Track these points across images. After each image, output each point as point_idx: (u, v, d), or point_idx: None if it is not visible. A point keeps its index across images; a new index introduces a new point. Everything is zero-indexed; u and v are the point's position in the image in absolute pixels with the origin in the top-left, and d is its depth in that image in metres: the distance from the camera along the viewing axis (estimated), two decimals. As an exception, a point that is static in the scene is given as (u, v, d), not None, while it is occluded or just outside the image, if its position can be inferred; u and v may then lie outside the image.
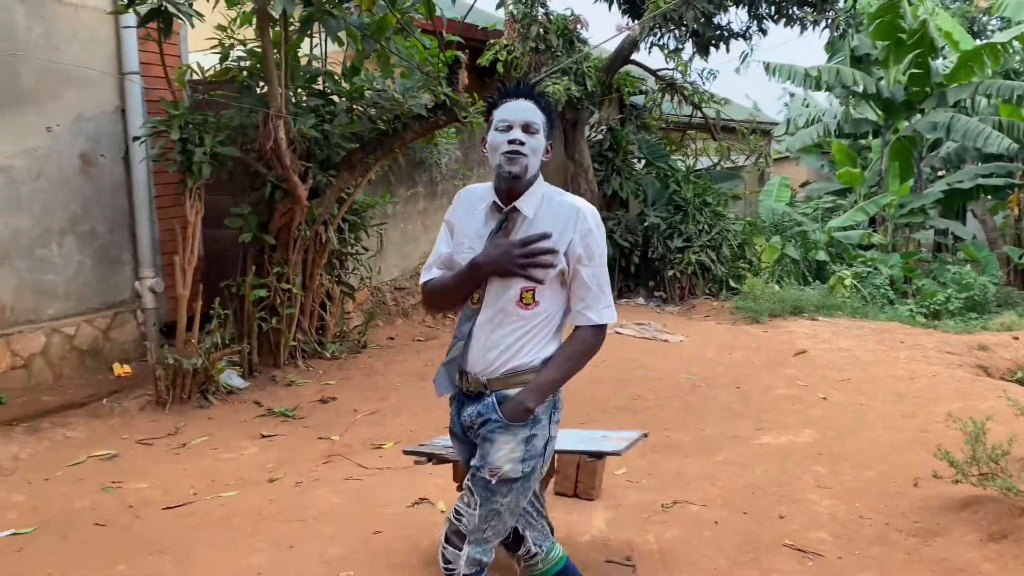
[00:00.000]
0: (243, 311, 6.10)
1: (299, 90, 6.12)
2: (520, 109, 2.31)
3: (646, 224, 10.41)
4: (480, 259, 2.30)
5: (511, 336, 2.31)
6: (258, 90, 5.94)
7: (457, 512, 2.36)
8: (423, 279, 2.50)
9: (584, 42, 9.76)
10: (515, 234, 2.32)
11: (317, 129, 5.83)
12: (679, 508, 4.02)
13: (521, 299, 2.29)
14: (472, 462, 2.38)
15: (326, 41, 6.23)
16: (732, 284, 10.31)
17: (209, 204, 5.78)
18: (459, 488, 3.39)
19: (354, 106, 6.27)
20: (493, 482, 2.30)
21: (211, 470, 4.56)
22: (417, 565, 3.44)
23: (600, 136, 10.87)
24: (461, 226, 2.44)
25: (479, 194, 2.43)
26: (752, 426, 5.33)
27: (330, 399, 5.79)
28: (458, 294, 2.39)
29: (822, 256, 12.32)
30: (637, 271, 10.66)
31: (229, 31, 5.93)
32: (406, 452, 3.37)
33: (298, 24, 5.64)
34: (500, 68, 9.42)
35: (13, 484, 4.32)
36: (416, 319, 8.35)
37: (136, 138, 5.91)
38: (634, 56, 10.16)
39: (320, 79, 6.22)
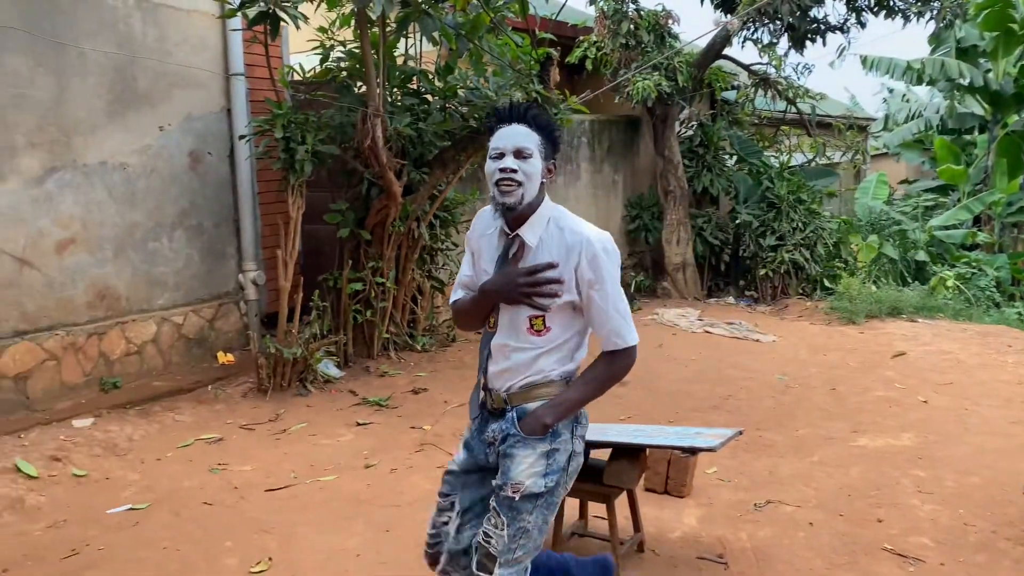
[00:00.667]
0: (339, 304, 6.30)
1: (395, 89, 6.28)
2: (512, 135, 2.25)
3: (737, 222, 10.23)
4: (488, 286, 2.30)
5: (526, 357, 2.30)
6: (356, 90, 6.13)
7: (486, 535, 2.31)
8: (452, 299, 2.52)
9: (675, 37, 9.66)
10: (522, 261, 2.30)
11: (412, 127, 5.97)
12: (772, 508, 3.96)
13: (531, 326, 2.28)
14: (494, 481, 2.34)
15: (421, 41, 6.37)
16: (827, 284, 10.03)
17: (308, 200, 6.00)
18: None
19: (447, 104, 6.39)
20: (516, 499, 2.26)
21: (310, 455, 4.74)
22: (509, 553, 3.50)
23: (690, 132, 10.74)
24: (479, 249, 2.43)
25: (491, 217, 2.39)
26: (848, 428, 5.19)
27: (421, 390, 5.92)
28: (475, 318, 2.41)
29: (922, 256, 11.84)
30: (727, 269, 10.50)
31: (329, 33, 6.13)
32: (500, 442, 3.43)
33: (395, 24, 5.78)
34: (589, 65, 9.42)
35: (128, 463, 4.59)
36: (503, 315, 8.43)
37: (242, 137, 6.18)
38: (726, 51, 9.98)
39: (415, 78, 6.37)
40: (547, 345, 2.29)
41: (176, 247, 6.05)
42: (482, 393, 2.42)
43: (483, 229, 2.41)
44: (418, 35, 6.29)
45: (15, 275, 5.07)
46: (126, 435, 4.92)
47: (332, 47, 6.18)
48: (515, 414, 2.31)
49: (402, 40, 6.37)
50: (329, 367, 6.09)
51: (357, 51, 5.98)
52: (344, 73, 6.15)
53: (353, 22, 5.86)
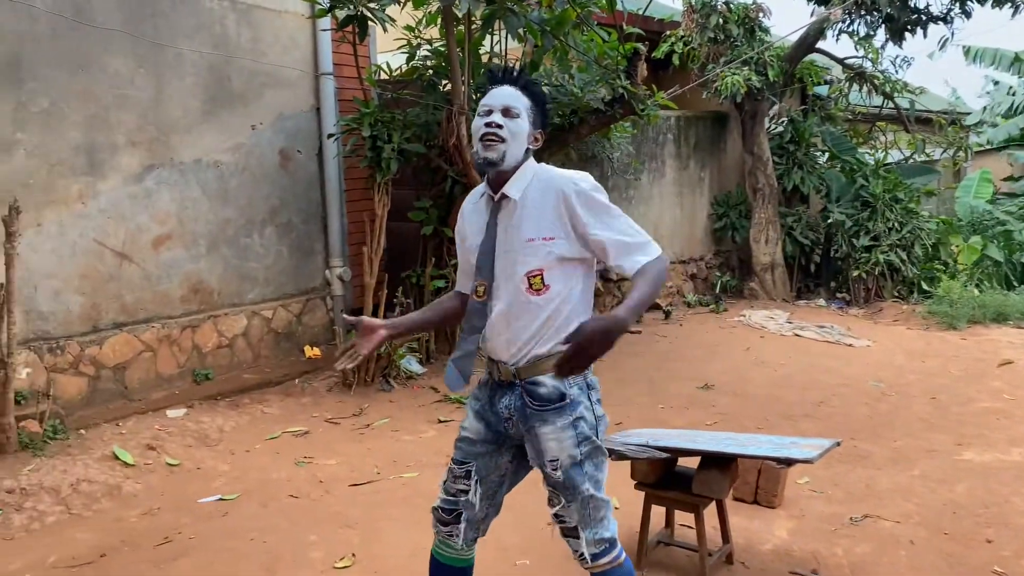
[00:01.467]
0: (422, 300, 6.34)
1: (480, 87, 6.27)
2: (501, 94, 2.23)
3: (829, 221, 9.85)
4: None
5: (531, 326, 2.22)
6: (441, 88, 6.14)
7: (557, 516, 2.32)
8: (457, 288, 2.49)
9: (766, 31, 9.36)
10: (507, 216, 2.24)
11: (496, 124, 5.94)
12: (870, 523, 3.77)
13: (530, 285, 2.20)
14: (536, 465, 2.33)
15: (506, 38, 6.34)
16: (924, 287, 9.56)
17: (393, 198, 6.04)
18: (635, 486, 3.34)
19: (531, 101, 6.34)
20: (562, 477, 2.25)
21: (392, 451, 4.77)
22: (592, 559, 3.42)
23: (780, 128, 10.40)
24: (464, 229, 2.39)
25: (479, 192, 2.36)
26: (951, 440, 4.91)
27: (502, 389, 5.89)
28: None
29: (1030, 259, 11.17)
30: (818, 270, 10.12)
31: (416, 31, 6.16)
32: (585, 445, 3.36)
33: (480, 22, 5.78)
34: (675, 60, 9.23)
35: (219, 454, 4.71)
36: (585, 314, 8.35)
37: (330, 135, 6.28)
38: (820, 44, 9.62)
39: (500, 75, 6.34)
40: (548, 305, 2.21)
41: (266, 243, 6.19)
42: (488, 363, 2.37)
43: (474, 206, 2.37)
44: (503, 32, 6.26)
45: (115, 269, 5.27)
46: (217, 426, 5.05)
47: (418, 46, 6.21)
48: (524, 389, 2.26)
49: (487, 37, 6.36)
50: (411, 363, 6.13)
51: (443, 49, 6.00)
52: (430, 71, 6.17)
53: (439, 20, 5.87)
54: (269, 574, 3.32)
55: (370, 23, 5.35)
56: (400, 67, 6.39)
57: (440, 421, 5.27)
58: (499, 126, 2.18)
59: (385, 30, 5.43)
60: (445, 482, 2.45)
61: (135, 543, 3.63)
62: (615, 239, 2.18)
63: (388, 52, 6.66)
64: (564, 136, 6.27)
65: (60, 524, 3.79)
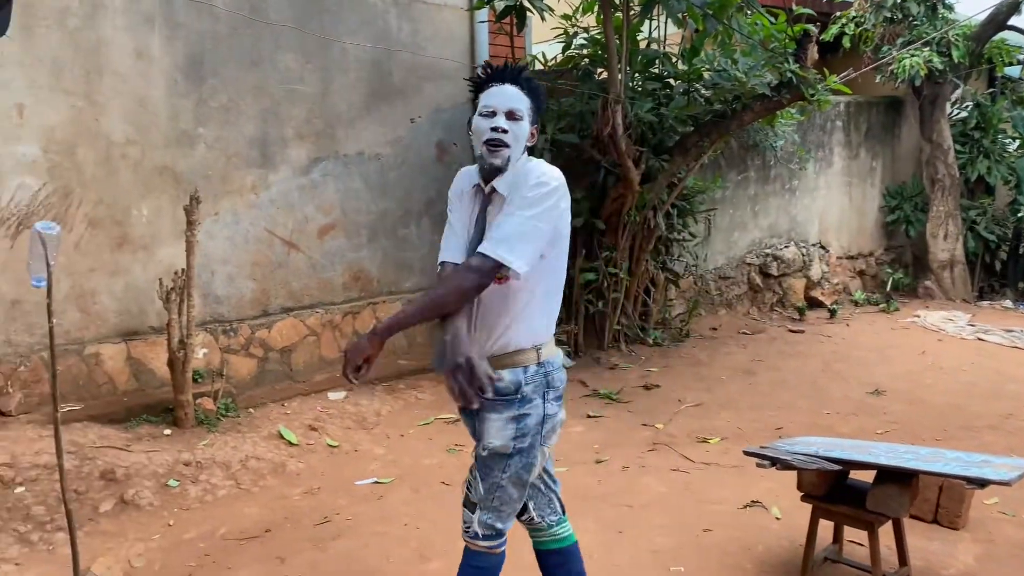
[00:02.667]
0: (571, 293, 6.27)
1: (637, 74, 6.11)
2: (505, 95, 2.22)
3: (1019, 215, 8.94)
4: (441, 353, 2.17)
5: (499, 319, 2.27)
6: (597, 77, 6.03)
7: (468, 482, 2.41)
8: (440, 259, 2.42)
9: (950, 8, 8.59)
10: (494, 211, 2.25)
11: (653, 113, 5.77)
12: (1074, 555, 3.35)
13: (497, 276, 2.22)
14: (475, 440, 2.40)
15: (666, 23, 6.14)
16: None
17: (546, 189, 6.00)
18: (802, 498, 3.14)
19: (691, 88, 6.11)
20: (486, 456, 2.31)
21: (541, 444, 4.73)
22: (750, 571, 3.24)
23: (964, 114, 9.53)
24: (459, 206, 2.39)
25: (470, 176, 2.37)
26: None
27: (653, 386, 5.74)
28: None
29: None
30: (1004, 269, 9.23)
31: (573, 20, 6.08)
32: (747, 453, 3.18)
33: (639, 8, 5.62)
34: (846, 43, 8.65)
35: (376, 437, 4.84)
36: (740, 310, 8.01)
37: (485, 126, 6.31)
38: (1013, 21, 8.72)
39: (658, 62, 6.15)
40: (512, 298, 2.24)
41: (422, 234, 6.32)
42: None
43: (462, 190, 2.39)
44: (663, 17, 6.06)
45: (284, 257, 5.53)
46: (374, 410, 5.21)
47: (575, 34, 6.13)
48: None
49: (645, 23, 6.18)
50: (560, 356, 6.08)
51: (599, 37, 5.88)
52: (585, 60, 6.08)
53: (596, 8, 5.75)
54: (422, 561, 3.36)
55: (528, 13, 5.31)
56: (555, 57, 6.32)
57: (589, 416, 5.19)
58: (504, 131, 2.20)
59: (543, 19, 5.37)
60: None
61: (296, 520, 3.79)
62: (499, 223, 2.19)
63: (543, 42, 6.62)
64: (726, 124, 6.00)
65: (230, 498, 4.01)
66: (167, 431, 4.52)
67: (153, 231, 4.87)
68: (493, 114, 2.23)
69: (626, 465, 4.40)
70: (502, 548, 2.41)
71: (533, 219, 2.17)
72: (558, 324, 6.03)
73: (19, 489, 3.68)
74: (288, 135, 5.48)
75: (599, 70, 6.09)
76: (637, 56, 6.02)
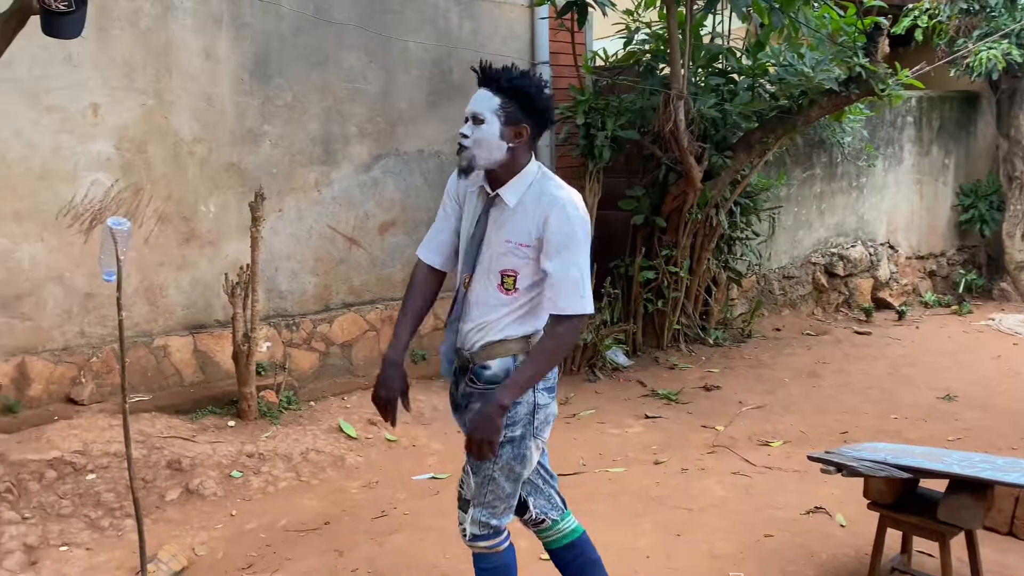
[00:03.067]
0: (630, 291, 6.21)
1: (700, 70, 6.01)
2: (474, 99, 2.25)
3: (1103, 214, 8.53)
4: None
5: (493, 315, 2.31)
6: (659, 72, 5.96)
7: (461, 480, 2.42)
8: (419, 252, 2.53)
9: (1033, -4, 8.22)
10: (500, 219, 2.30)
11: (716, 109, 5.67)
12: None
13: (502, 283, 2.29)
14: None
15: (731, 18, 6.02)
16: None
17: (603, 186, 5.95)
18: (868, 506, 3.04)
19: (756, 83, 5.99)
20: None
21: (598, 443, 4.70)
22: (813, 579, 3.16)
23: (1045, 108, 9.12)
24: (461, 203, 2.44)
25: (476, 181, 2.37)
26: None
27: (713, 387, 5.64)
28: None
29: None
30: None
31: (635, 15, 6.01)
32: (811, 458, 3.09)
33: (702, 3, 5.52)
34: (918, 35, 8.36)
35: (432, 433, 4.87)
36: (804, 311, 7.82)
37: (544, 123, 6.28)
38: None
39: (721, 57, 6.04)
40: (514, 303, 2.30)
41: (480, 230, 6.32)
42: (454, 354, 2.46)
43: (466, 186, 2.41)
44: (727, 12, 5.95)
45: (345, 253, 5.60)
46: (431, 405, 5.23)
47: (636, 30, 6.06)
48: (475, 371, 2.36)
49: (709, 18, 6.07)
50: (618, 355, 6.03)
51: (662, 32, 5.80)
52: (647, 56, 6.00)
53: (659, 3, 5.68)
54: (477, 558, 3.36)
55: (589, 8, 5.27)
56: (616, 53, 6.26)
57: (647, 416, 5.13)
58: (465, 136, 2.25)
59: (605, 14, 5.33)
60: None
61: (355, 514, 3.83)
62: (560, 275, 2.22)
63: (605, 38, 6.55)
64: (792, 120, 5.85)
65: (291, 490, 4.08)
66: (231, 423, 4.62)
67: (219, 227, 4.98)
68: (465, 120, 2.28)
69: (685, 467, 4.33)
70: (504, 545, 2.42)
71: (584, 256, 2.26)
72: (616, 322, 6.00)
73: (90, 476, 3.80)
74: (350, 133, 5.54)
75: (661, 66, 6.01)
76: (700, 51, 5.91)
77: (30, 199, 4.35)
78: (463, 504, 2.42)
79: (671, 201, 6.00)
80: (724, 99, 5.85)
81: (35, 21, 2.80)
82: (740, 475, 4.22)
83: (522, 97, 2.23)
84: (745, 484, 4.11)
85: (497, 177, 2.29)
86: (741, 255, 6.83)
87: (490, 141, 2.23)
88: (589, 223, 2.30)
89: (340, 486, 4.13)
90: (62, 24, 2.72)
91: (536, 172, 2.31)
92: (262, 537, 3.60)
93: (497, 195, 2.30)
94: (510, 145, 2.24)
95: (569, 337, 2.27)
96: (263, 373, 5.00)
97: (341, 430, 4.71)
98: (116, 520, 3.64)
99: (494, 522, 2.37)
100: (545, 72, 6.41)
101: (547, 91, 2.30)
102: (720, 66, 6.12)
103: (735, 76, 6.11)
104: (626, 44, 6.12)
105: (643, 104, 5.76)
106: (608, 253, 6.41)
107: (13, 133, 4.26)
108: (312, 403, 5.06)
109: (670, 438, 4.78)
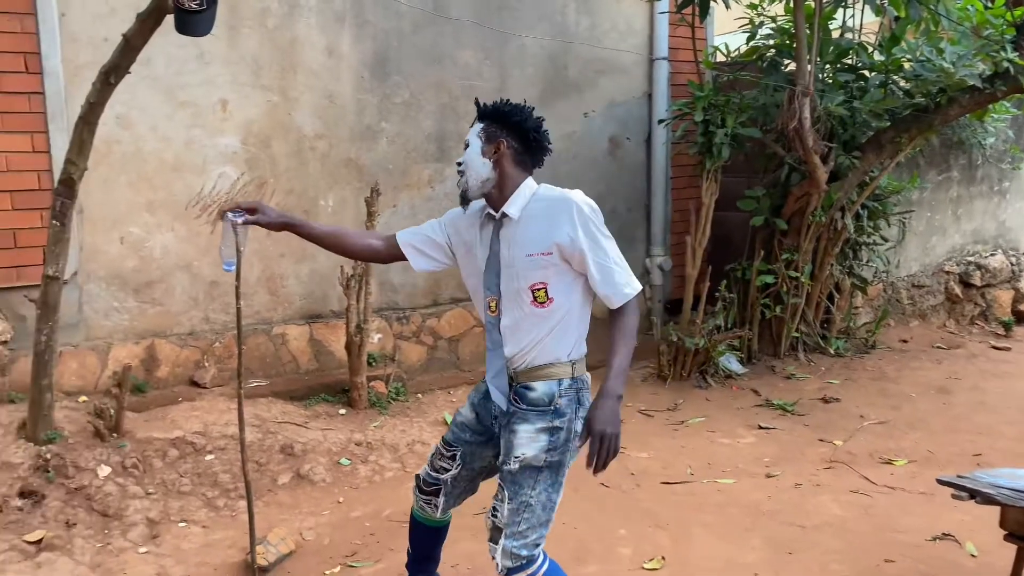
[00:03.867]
0: (746, 296, 5.98)
1: (827, 66, 5.72)
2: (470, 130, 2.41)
3: None
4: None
5: (535, 336, 2.32)
6: (783, 68, 5.71)
7: (493, 508, 2.39)
8: (401, 233, 2.59)
9: None
10: (507, 233, 2.35)
11: (844, 106, 5.37)
12: None
13: (535, 299, 2.30)
14: (500, 459, 2.40)
15: (863, 10, 5.70)
16: None
17: (721, 186, 5.75)
18: (1005, 537, 2.80)
19: (888, 80, 5.64)
20: (517, 470, 2.31)
21: (707, 452, 4.54)
22: (940, 613, 2.93)
23: None
24: (467, 239, 2.49)
25: (477, 208, 2.46)
26: None
27: (832, 399, 5.36)
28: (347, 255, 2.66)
29: None
30: None
31: (759, 9, 5.78)
32: (941, 482, 2.87)
33: (832, -5, 5.25)
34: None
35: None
36: (935, 322, 7.34)
37: (661, 121, 6.15)
38: None
39: (851, 52, 5.73)
40: (552, 318, 2.32)
41: (591, 229, 6.24)
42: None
43: (471, 221, 2.49)
44: (859, 5, 5.63)
45: (455, 248, 5.65)
46: (535, 405, 5.20)
47: (760, 24, 5.82)
48: (518, 392, 2.36)
49: (839, 11, 5.77)
50: (731, 362, 5.82)
51: (788, 26, 5.55)
52: (772, 51, 5.76)
53: (786, -5, 5.44)
54: (578, 563, 3.31)
55: (711, 2, 5.10)
56: (739, 48, 6.04)
57: (760, 427, 4.92)
58: (459, 163, 2.39)
59: (728, 7, 5.15)
60: (432, 456, 2.63)
61: (459, 509, 3.83)
62: (603, 265, 2.29)
63: (727, 33, 6.34)
64: (928, 119, 5.49)
65: (396, 480, 4.14)
66: (342, 411, 4.74)
67: (337, 221, 5.11)
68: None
69: (799, 482, 4.13)
70: (543, 570, 2.38)
71: (609, 241, 2.33)
72: (730, 328, 5.79)
73: (209, 457, 3.98)
74: (464, 130, 5.56)
75: (786, 62, 5.75)
76: (828, 47, 5.62)
77: (164, 190, 4.59)
78: (494, 535, 2.39)
79: (793, 203, 5.74)
80: (853, 96, 5.54)
81: (171, 20, 2.94)
82: (859, 494, 3.98)
83: (498, 116, 2.37)
84: (864, 504, 3.88)
85: (496, 198, 2.37)
86: (867, 261, 6.47)
87: (474, 159, 2.36)
88: (598, 208, 2.36)
89: (443, 480, 4.15)
90: (194, 22, 2.83)
91: (535, 186, 2.39)
92: (367, 526, 3.66)
93: (503, 214, 2.35)
94: (491, 160, 2.35)
95: (636, 316, 2.35)
96: (374, 364, 5.10)
97: (446, 423, 4.75)
98: (231, 501, 3.78)
99: (526, 552, 2.34)
100: (663, 69, 6.28)
101: (526, 110, 2.40)
102: (850, 62, 5.80)
103: (866, 72, 5.78)
104: (749, 39, 5.89)
105: (766, 101, 5.53)
106: (724, 255, 6.20)
107: (150, 128, 4.51)
108: (419, 395, 5.13)
109: (784, 451, 4.57)
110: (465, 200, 2.41)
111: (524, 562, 2.34)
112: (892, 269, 6.89)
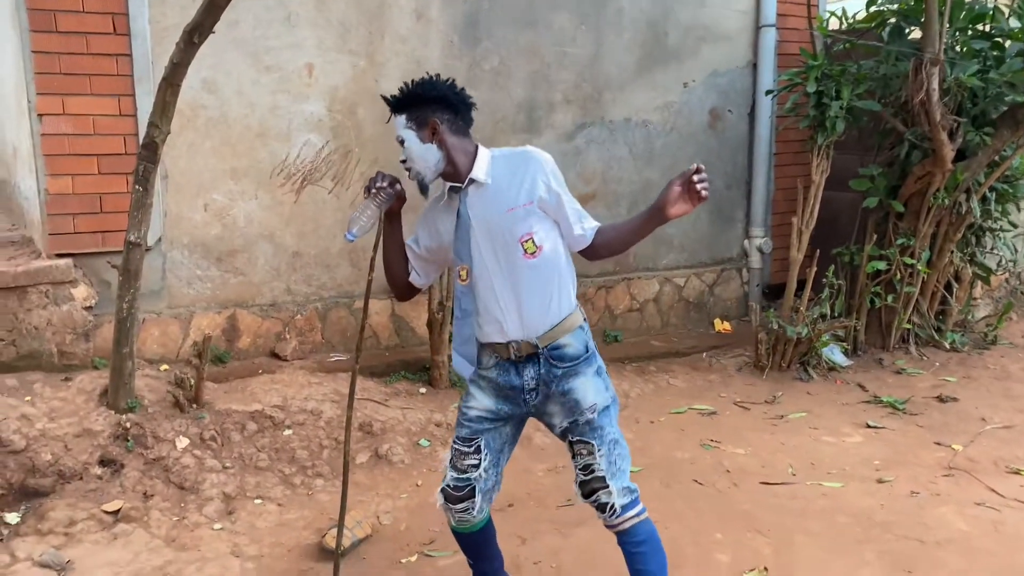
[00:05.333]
0: (855, 283, 5.54)
1: (958, 32, 5.19)
2: (395, 128, 2.40)
3: None
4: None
5: (537, 297, 2.36)
6: (907, 35, 5.21)
7: (586, 467, 2.40)
8: (408, 240, 2.56)
9: None
10: (479, 201, 2.36)
11: (977, 77, 4.86)
12: None
13: (525, 251, 2.33)
14: (564, 424, 2.42)
15: (1002, -30, 5.15)
16: None
17: (831, 163, 5.32)
18: None
19: (1030, 48, 5.09)
20: (596, 418, 2.38)
21: (810, 451, 4.20)
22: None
23: None
24: (438, 226, 2.47)
25: (434, 197, 2.47)
26: None
27: (949, 398, 4.91)
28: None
29: None
30: None
31: (882, -31, 5.29)
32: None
33: (969, -48, 4.73)
34: None
35: (623, 420, 4.47)
36: (1063, 318, 6.70)
37: (768, 92, 5.74)
38: None
39: (986, 18, 5.18)
40: (545, 268, 2.36)
41: (686, 207, 5.90)
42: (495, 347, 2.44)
43: (432, 213, 2.49)
44: (998, -36, 5.08)
45: (543, 224, 5.40)
46: (623, 391, 4.94)
47: (884, -14, 5.32)
48: (548, 354, 2.39)
49: (974, -28, 5.23)
50: (835, 353, 5.41)
51: (915, -12, 5.05)
52: (895, 17, 5.26)
53: (914, -47, 4.94)
54: (673, 568, 3.00)
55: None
56: (857, 13, 5.55)
57: (868, 426, 4.53)
58: (403, 161, 2.40)
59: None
60: (452, 460, 2.53)
61: (540, 499, 3.64)
62: (575, 208, 2.42)
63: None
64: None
65: (476, 465, 3.95)
66: (422, 390, 4.59)
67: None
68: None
69: (915, 490, 3.75)
70: (645, 512, 2.45)
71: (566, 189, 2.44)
72: (835, 317, 5.38)
73: (287, 432, 3.87)
74: (555, 99, 5.31)
75: (911, 28, 5.25)
76: (960, 11, 5.09)
77: (247, 157, 4.49)
78: (602, 488, 2.39)
79: (913, 183, 5.26)
80: (988, 66, 5.01)
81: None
82: (986, 507, 3.59)
83: (417, 99, 2.34)
84: (992, 519, 3.48)
85: (452, 173, 2.38)
86: (992, 249, 5.91)
87: (416, 150, 2.36)
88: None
89: (526, 466, 3.95)
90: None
91: (487, 150, 2.41)
92: (445, 513, 3.49)
93: (471, 180, 2.36)
94: (434, 143, 2.35)
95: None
96: (455, 343, 4.92)
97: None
98: (308, 479, 3.67)
99: (630, 484, 2.43)
100: (769, 36, 5.85)
101: (435, 78, 2.37)
102: (985, 28, 5.25)
103: (1001, 40, 5.22)
104: (869, 4, 5.40)
105: (887, 71, 5.06)
106: (831, 238, 5.75)
107: (235, 92, 4.40)
108: (501, 377, 4.92)
109: (896, 453, 4.19)
110: (424, 188, 2.41)
111: (635, 496, 2.43)
112: (1019, 259, 6.30)
